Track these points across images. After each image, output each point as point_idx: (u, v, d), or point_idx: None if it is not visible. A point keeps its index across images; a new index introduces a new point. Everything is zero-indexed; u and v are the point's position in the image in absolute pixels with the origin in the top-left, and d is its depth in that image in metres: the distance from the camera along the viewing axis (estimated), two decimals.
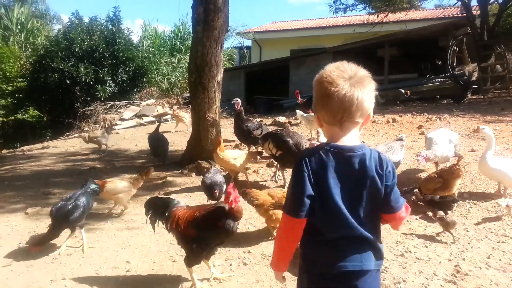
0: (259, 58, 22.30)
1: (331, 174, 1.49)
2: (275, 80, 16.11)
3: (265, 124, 7.52)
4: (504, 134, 7.07)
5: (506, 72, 12.60)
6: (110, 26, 15.51)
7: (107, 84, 14.34)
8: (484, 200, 4.43)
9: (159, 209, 3.16)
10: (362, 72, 1.52)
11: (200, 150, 6.45)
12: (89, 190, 4.01)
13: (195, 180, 5.79)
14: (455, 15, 18.11)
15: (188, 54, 9.93)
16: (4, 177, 6.68)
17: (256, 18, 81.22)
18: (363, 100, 1.48)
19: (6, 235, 4.16)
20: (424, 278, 3.01)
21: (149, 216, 3.21)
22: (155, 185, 5.69)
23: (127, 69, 14.97)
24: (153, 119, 12.12)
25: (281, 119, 9.99)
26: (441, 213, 3.72)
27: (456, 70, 13.16)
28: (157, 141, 6.94)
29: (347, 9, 16.60)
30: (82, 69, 13.80)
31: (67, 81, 13.80)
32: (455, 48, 13.26)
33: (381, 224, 1.62)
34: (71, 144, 9.65)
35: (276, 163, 5.65)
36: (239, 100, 6.93)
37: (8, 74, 15.13)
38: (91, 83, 14.00)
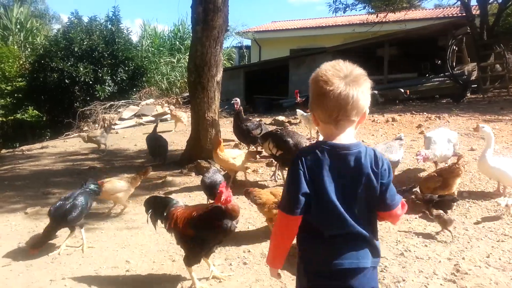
0: (258, 57, 22.29)
1: (326, 172, 1.50)
2: (275, 80, 16.12)
3: (264, 123, 7.52)
4: (503, 133, 7.08)
5: (506, 72, 12.61)
6: (109, 26, 15.48)
7: (107, 84, 14.32)
8: (484, 199, 4.43)
9: (158, 209, 3.16)
10: (358, 71, 1.53)
11: (200, 150, 6.44)
12: (88, 190, 4.01)
13: (194, 179, 5.79)
14: (455, 15, 18.11)
15: (188, 53, 9.93)
16: (4, 177, 6.67)
17: (255, 17, 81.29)
18: (359, 99, 1.49)
19: (6, 235, 4.16)
20: (424, 277, 3.01)
21: (149, 215, 3.21)
22: (155, 185, 5.69)
23: (127, 68, 14.96)
24: (153, 118, 12.11)
25: (281, 118, 10.00)
26: (437, 211, 3.73)
27: (455, 69, 13.18)
28: (155, 141, 6.92)
29: (347, 9, 16.61)
30: (81, 69, 13.79)
31: (66, 80, 13.79)
32: (454, 47, 13.28)
33: (379, 222, 1.62)
34: (71, 143, 9.64)
35: (276, 162, 5.66)
36: (238, 100, 6.93)
37: (7, 73, 15.11)
38: (91, 82, 13.98)
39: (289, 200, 1.53)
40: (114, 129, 10.77)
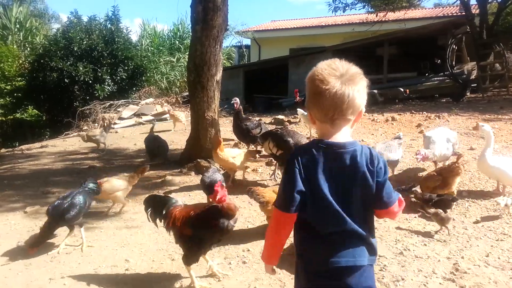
0: (258, 57, 22.29)
1: (322, 170, 1.51)
2: (274, 79, 16.11)
3: (264, 122, 7.52)
4: (503, 132, 7.08)
5: (505, 71, 12.61)
6: (109, 25, 15.46)
7: (106, 83, 14.31)
8: (483, 199, 4.44)
9: (158, 208, 3.16)
10: (354, 70, 1.53)
11: (199, 149, 6.44)
12: (86, 189, 4.00)
13: (194, 179, 5.78)
14: (454, 14, 18.11)
15: (187, 53, 9.92)
16: (3, 176, 6.67)
17: (255, 17, 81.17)
18: (354, 98, 1.49)
19: (5, 234, 4.16)
20: (423, 276, 3.01)
21: (149, 213, 3.22)
22: (154, 184, 5.68)
23: (126, 68, 14.95)
24: (152, 118, 12.10)
25: (280, 117, 10.00)
26: (434, 209, 3.74)
27: (455, 68, 13.17)
28: (154, 142, 6.91)
29: (346, 8, 16.61)
30: (81, 68, 13.77)
31: (66, 80, 13.77)
32: (454, 46, 13.27)
33: (378, 219, 1.63)
34: (70, 143, 9.64)
35: (275, 161, 5.66)
36: (238, 100, 6.92)
37: (6, 73, 15.09)
38: (90, 82, 13.97)
39: (284, 198, 1.54)
40: (113, 128, 10.77)
